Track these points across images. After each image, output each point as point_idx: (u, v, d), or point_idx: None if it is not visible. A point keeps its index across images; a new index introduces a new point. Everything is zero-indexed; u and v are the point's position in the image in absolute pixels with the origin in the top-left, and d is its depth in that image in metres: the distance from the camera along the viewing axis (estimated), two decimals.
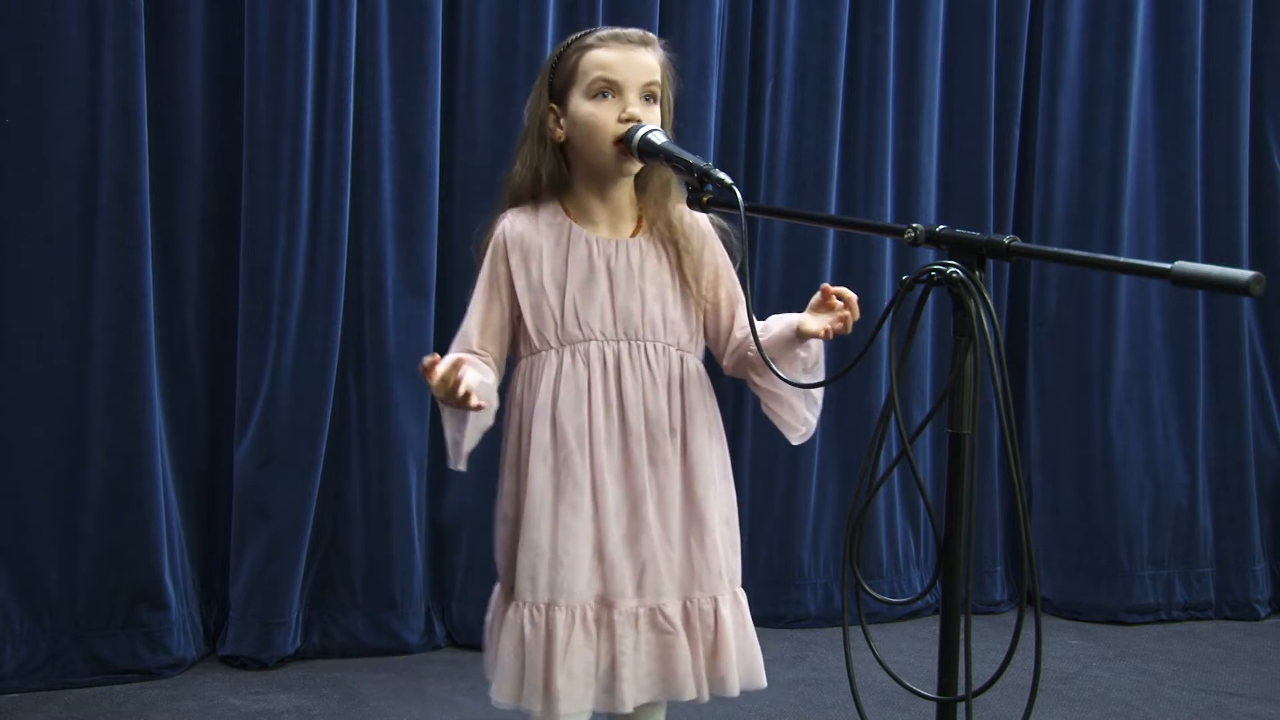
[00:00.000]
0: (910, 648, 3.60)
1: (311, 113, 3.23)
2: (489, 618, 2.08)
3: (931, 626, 3.73)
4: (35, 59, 3.03)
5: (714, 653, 1.96)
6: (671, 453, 1.94)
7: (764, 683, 2.01)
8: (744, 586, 4.08)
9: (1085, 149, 4.07)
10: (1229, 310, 4.12)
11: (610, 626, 1.91)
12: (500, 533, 2.01)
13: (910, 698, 2.88)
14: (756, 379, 2.03)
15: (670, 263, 1.99)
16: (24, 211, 3.06)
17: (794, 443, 2.08)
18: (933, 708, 1.50)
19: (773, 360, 1.88)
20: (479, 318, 1.98)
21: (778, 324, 1.99)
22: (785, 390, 2.00)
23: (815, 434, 3.84)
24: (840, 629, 1.53)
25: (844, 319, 1.90)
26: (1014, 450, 1.45)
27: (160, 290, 3.19)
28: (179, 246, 3.24)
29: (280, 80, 3.19)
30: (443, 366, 1.76)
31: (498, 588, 2.06)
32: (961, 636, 1.45)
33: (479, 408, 1.81)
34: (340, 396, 3.34)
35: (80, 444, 3.10)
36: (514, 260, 1.96)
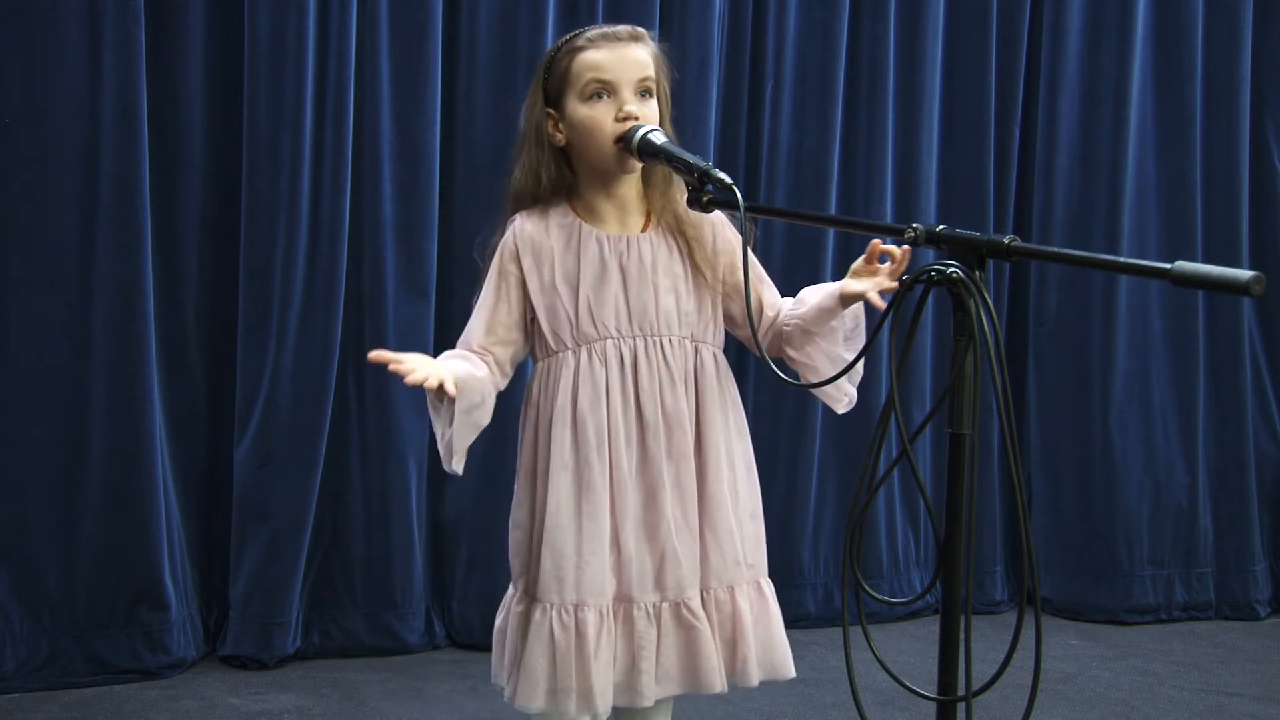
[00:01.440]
0: (910, 648, 3.60)
1: (311, 113, 3.23)
2: (500, 621, 2.05)
3: (931, 626, 3.73)
4: (35, 59, 3.03)
5: (732, 643, 1.96)
6: (688, 445, 1.95)
7: (791, 673, 2.01)
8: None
9: (1085, 149, 4.07)
10: (1229, 310, 4.12)
11: (629, 621, 1.92)
12: (515, 536, 2.00)
13: (910, 698, 2.88)
14: (793, 353, 2.02)
15: (681, 254, 1.99)
16: (24, 211, 3.05)
17: (840, 411, 2.07)
18: (933, 708, 1.50)
19: (814, 333, 1.95)
20: (485, 319, 1.97)
21: (814, 295, 1.99)
22: (823, 361, 1.99)
23: (815, 434, 3.87)
24: (840, 629, 1.53)
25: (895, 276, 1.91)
26: (1014, 450, 1.45)
27: (160, 290, 3.19)
28: (179, 246, 3.24)
29: (280, 80, 3.19)
30: (387, 355, 1.77)
31: (512, 591, 2.04)
32: (961, 636, 1.45)
33: (442, 389, 1.79)
34: (340, 396, 3.34)
35: (80, 444, 3.10)
36: (526, 262, 1.96)
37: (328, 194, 3.26)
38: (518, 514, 2.01)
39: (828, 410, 3.87)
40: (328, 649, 3.37)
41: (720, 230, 2.04)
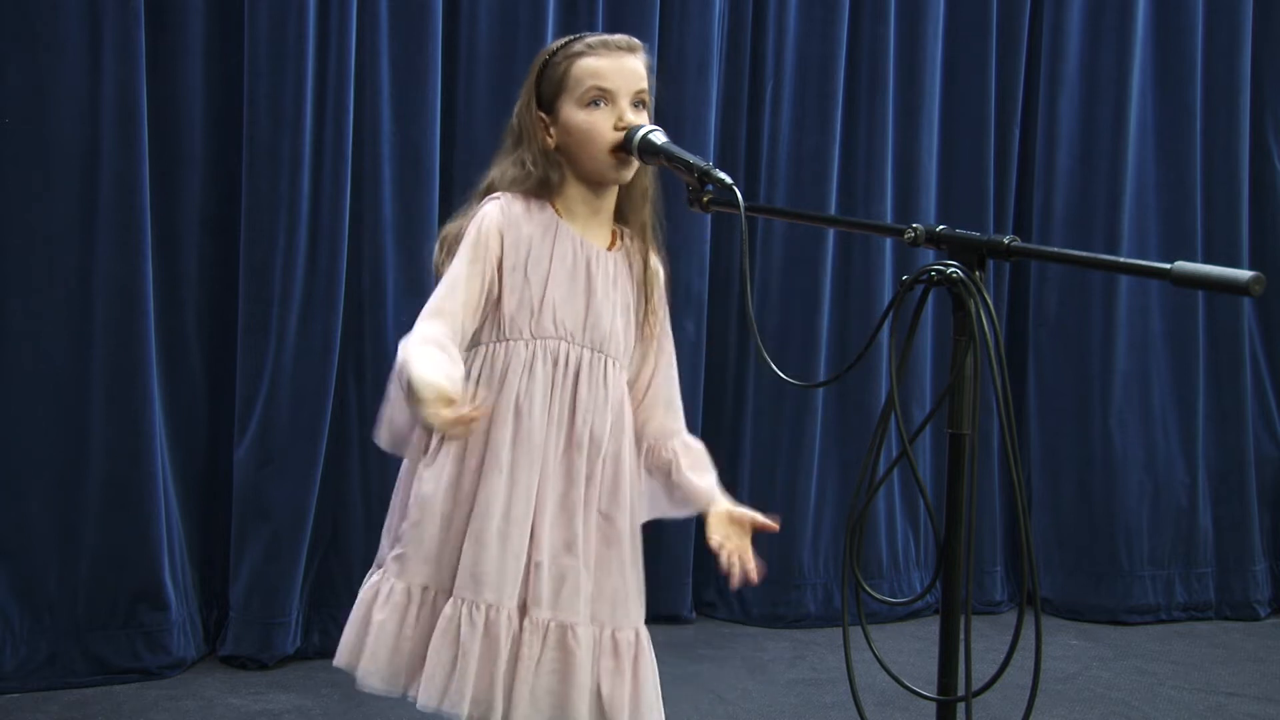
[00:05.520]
0: (910, 648, 3.60)
1: (311, 113, 3.23)
2: (368, 594, 1.94)
3: (931, 626, 3.72)
4: (35, 59, 3.03)
5: (635, 686, 1.90)
6: (601, 471, 1.92)
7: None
8: (742, 586, 4.07)
9: (1085, 149, 4.07)
10: (1229, 310, 4.12)
11: (518, 634, 1.86)
12: (420, 514, 1.89)
13: (910, 698, 2.88)
14: (647, 475, 2.01)
15: (636, 283, 1.98)
16: (24, 211, 3.05)
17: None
18: (933, 708, 1.50)
19: (670, 490, 1.98)
20: (464, 295, 1.89)
21: (699, 477, 1.99)
22: (655, 503, 2.01)
23: (815, 434, 3.87)
24: (840, 629, 1.52)
25: (747, 569, 1.91)
26: (1014, 450, 1.45)
27: (160, 290, 3.19)
28: (179, 246, 3.24)
29: (280, 80, 3.19)
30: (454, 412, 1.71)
31: (387, 568, 1.93)
32: (961, 636, 1.45)
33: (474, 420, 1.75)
34: (340, 396, 3.33)
35: (80, 444, 3.09)
36: (508, 239, 1.92)
37: (328, 194, 3.26)
38: (423, 491, 1.89)
39: (828, 410, 3.91)
40: (328, 649, 3.35)
41: (661, 285, 2.02)
